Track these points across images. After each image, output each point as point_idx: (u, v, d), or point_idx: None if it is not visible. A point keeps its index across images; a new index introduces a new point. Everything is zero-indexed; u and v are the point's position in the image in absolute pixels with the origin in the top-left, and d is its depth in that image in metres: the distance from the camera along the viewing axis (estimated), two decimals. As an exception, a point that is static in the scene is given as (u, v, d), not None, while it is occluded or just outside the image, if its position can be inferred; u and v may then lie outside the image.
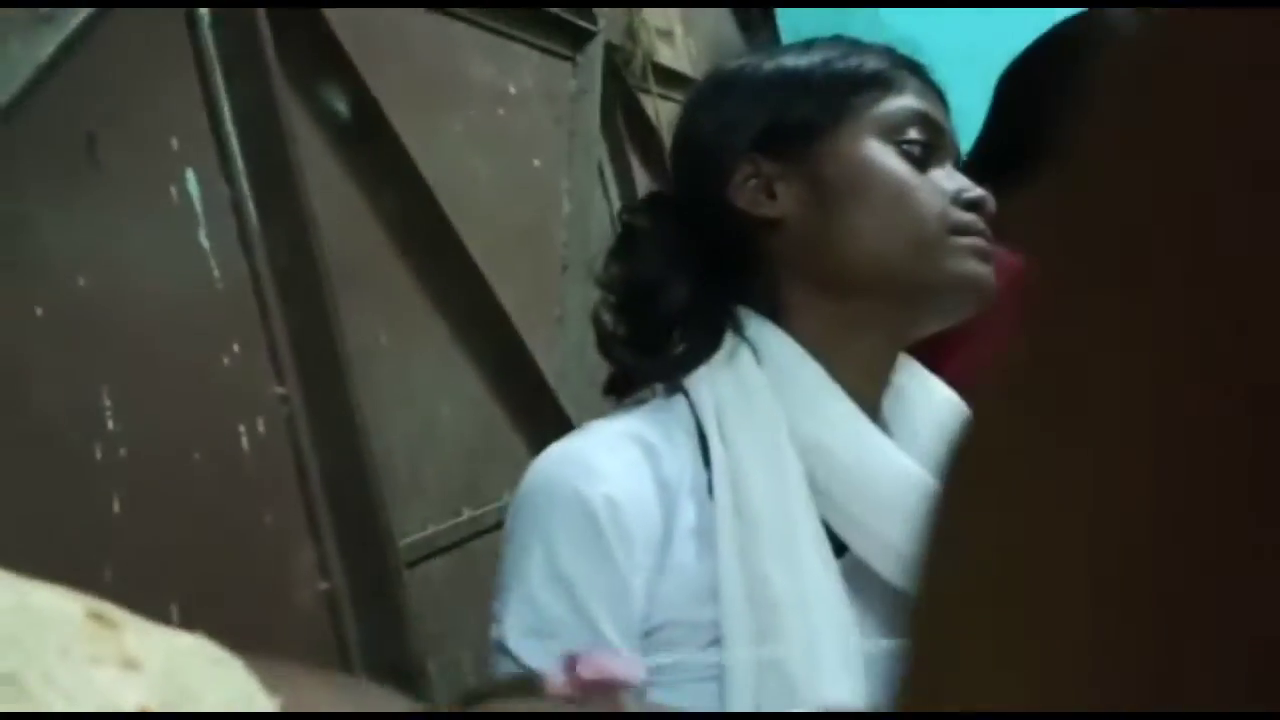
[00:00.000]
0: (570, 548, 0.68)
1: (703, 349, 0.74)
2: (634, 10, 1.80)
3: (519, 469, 1.30)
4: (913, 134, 0.74)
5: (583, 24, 1.66)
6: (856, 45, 0.79)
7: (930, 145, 0.75)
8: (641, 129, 1.82)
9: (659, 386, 0.77)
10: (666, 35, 2.03)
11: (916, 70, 0.78)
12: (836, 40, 0.79)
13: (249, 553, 0.93)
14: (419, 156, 1.20)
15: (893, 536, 0.69)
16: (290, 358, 1.00)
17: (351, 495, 1.01)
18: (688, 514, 0.69)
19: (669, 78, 1.99)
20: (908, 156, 0.74)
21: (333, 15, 1.11)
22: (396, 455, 1.08)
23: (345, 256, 1.08)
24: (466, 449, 1.21)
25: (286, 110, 1.03)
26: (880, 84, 0.75)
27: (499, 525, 1.25)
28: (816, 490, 0.70)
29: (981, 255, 0.74)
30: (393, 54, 1.23)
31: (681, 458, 0.71)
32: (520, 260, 1.40)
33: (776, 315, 0.74)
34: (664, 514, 0.69)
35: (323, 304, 1.01)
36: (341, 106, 1.15)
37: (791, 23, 2.61)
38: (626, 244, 0.80)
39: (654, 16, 1.98)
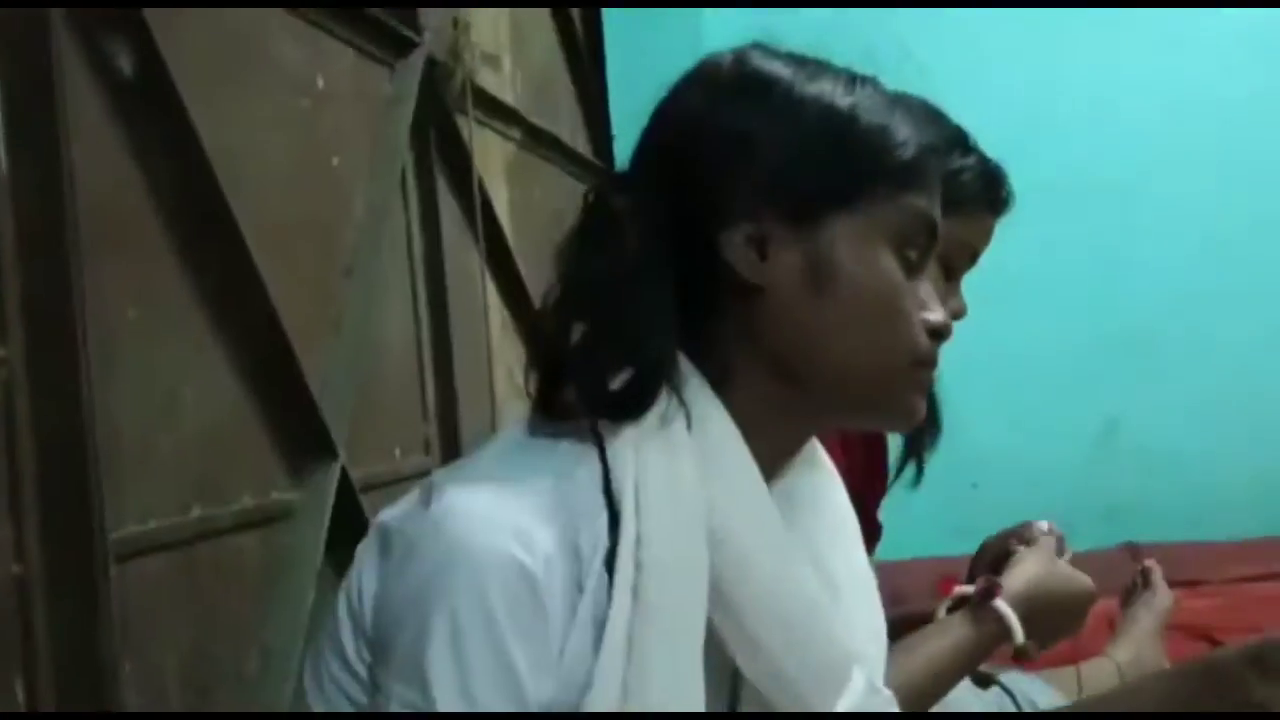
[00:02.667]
0: (511, 620, 0.59)
1: (645, 396, 0.64)
2: (462, 29, 1.78)
3: (262, 471, 1.25)
4: (917, 241, 0.69)
5: (406, 32, 1.63)
6: (897, 102, 0.69)
7: (926, 253, 0.70)
8: (453, 149, 1.79)
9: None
10: (493, 60, 2.02)
11: (937, 158, 0.71)
12: (875, 86, 0.69)
13: (-69, 522, 0.84)
14: (204, 130, 1.13)
15: (784, 661, 0.65)
16: (19, 317, 0.92)
17: (64, 474, 0.93)
18: (591, 595, 0.62)
19: (489, 104, 1.98)
20: (905, 263, 0.68)
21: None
22: (124, 439, 1.00)
23: (103, 219, 1.00)
24: (206, 444, 1.13)
25: (61, 51, 0.96)
26: (912, 174, 0.68)
27: (234, 528, 1.18)
28: (715, 588, 0.64)
29: (926, 389, 0.71)
30: (193, 20, 1.16)
31: (598, 527, 0.63)
32: (300, 256, 1.34)
33: (717, 379, 0.67)
34: (573, 595, 0.62)
35: (66, 264, 0.93)
36: (126, 62, 1.08)
37: (616, 22, 2.66)
38: (601, 227, 0.67)
39: (483, 39, 1.97)
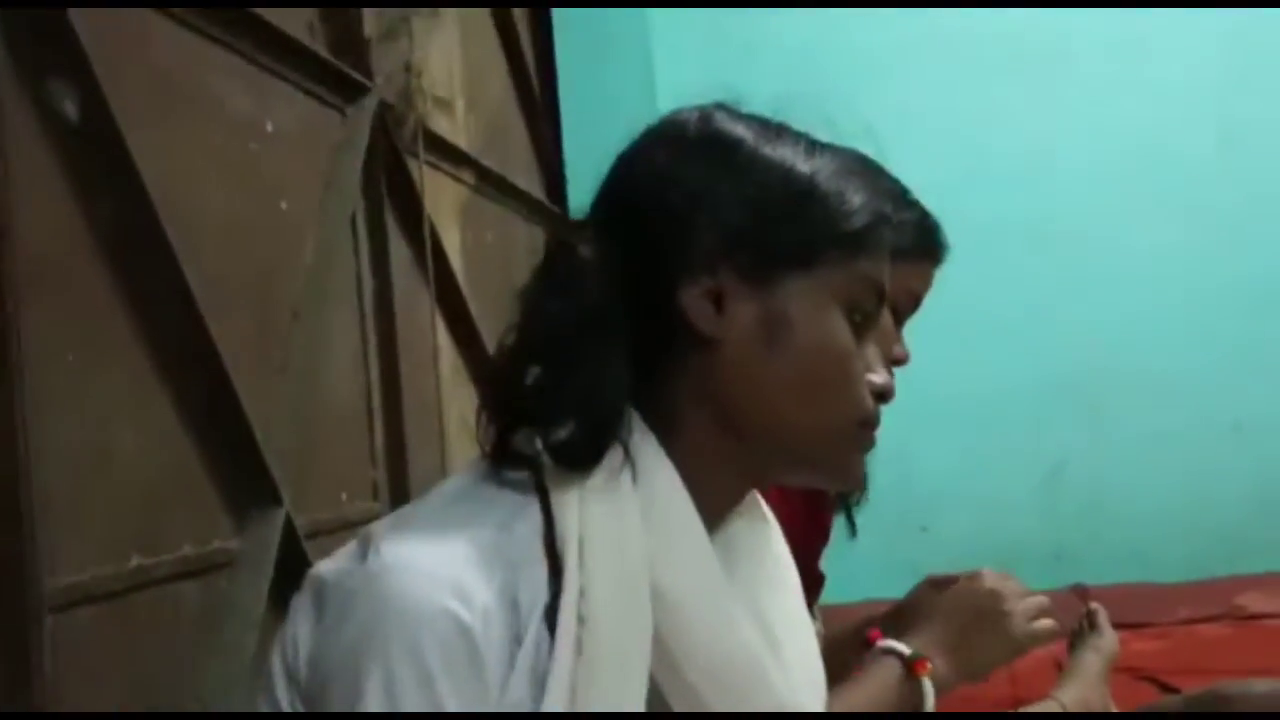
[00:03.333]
0: (448, 677, 0.58)
1: (596, 449, 0.65)
2: (414, 74, 1.79)
3: (204, 519, 1.23)
4: (866, 305, 0.71)
5: (356, 76, 1.63)
6: (851, 170, 0.72)
7: (873, 317, 0.72)
8: (404, 192, 1.79)
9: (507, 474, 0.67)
10: (446, 105, 2.03)
11: (887, 226, 0.72)
12: (832, 153, 0.72)
13: None
14: (149, 173, 1.12)
15: (723, 710, 0.65)
16: (-49, 360, 0.90)
17: (-4, 522, 0.91)
18: (529, 648, 0.62)
19: (442, 147, 1.98)
20: (853, 325, 0.70)
21: (75, 12, 1.04)
22: (60, 485, 0.98)
23: (42, 260, 0.99)
24: (147, 491, 1.11)
25: (3, 94, 0.95)
26: (864, 241, 0.70)
27: (174, 577, 1.16)
28: (657, 642, 0.64)
29: (868, 449, 0.72)
30: (138, 64, 1.16)
31: (538, 580, 0.63)
32: (246, 299, 1.33)
33: (663, 431, 0.67)
34: (512, 647, 0.61)
35: (2, 307, 0.92)
36: (70, 105, 1.07)
37: (570, 65, 2.69)
38: (562, 274, 0.68)
39: (436, 84, 1.97)
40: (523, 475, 0.66)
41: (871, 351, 0.71)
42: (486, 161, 2.22)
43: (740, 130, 0.70)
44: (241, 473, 1.27)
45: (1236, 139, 2.88)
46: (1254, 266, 2.84)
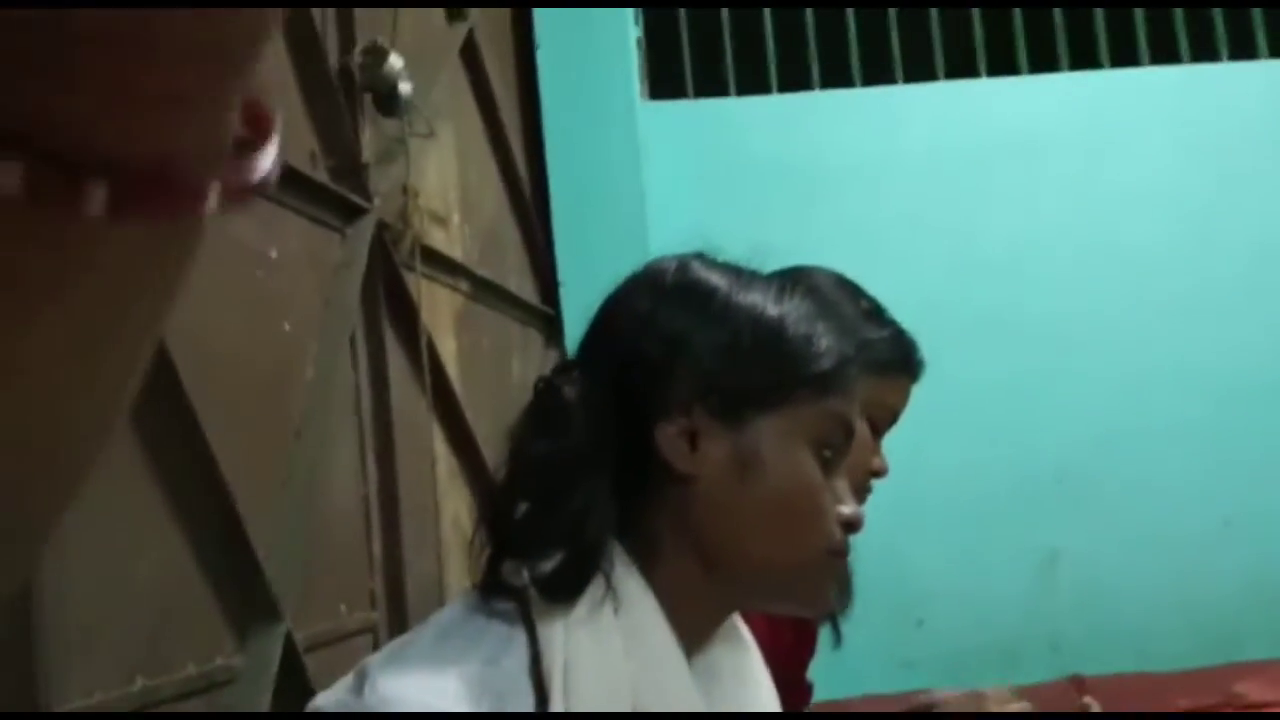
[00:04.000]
0: None
1: (580, 580, 0.69)
2: (411, 194, 1.86)
3: (207, 637, 1.26)
4: (834, 441, 0.74)
5: (356, 199, 1.70)
6: (824, 310, 0.76)
7: (842, 452, 0.75)
8: (402, 305, 1.85)
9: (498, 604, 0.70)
10: (441, 221, 2.10)
11: (855, 366, 0.75)
12: (803, 296, 0.76)
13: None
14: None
15: None
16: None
17: (6, 649, 0.94)
18: None
19: (438, 259, 2.05)
20: (822, 461, 0.73)
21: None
22: (69, 608, 1.01)
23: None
24: (151, 612, 1.15)
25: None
26: (832, 382, 0.74)
27: (178, 698, 1.18)
28: None
29: (838, 577, 0.76)
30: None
31: (524, 709, 0.66)
32: (249, 421, 1.38)
33: (644, 561, 0.71)
34: None
35: (18, 442, 0.96)
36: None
37: (561, 173, 2.77)
38: (550, 413, 0.72)
39: (432, 201, 2.05)
40: (510, 606, 0.70)
41: (840, 485, 0.75)
42: (481, 270, 2.28)
43: (715, 279, 0.75)
44: (243, 590, 1.30)
45: (1214, 236, 2.96)
46: (1240, 361, 2.89)
